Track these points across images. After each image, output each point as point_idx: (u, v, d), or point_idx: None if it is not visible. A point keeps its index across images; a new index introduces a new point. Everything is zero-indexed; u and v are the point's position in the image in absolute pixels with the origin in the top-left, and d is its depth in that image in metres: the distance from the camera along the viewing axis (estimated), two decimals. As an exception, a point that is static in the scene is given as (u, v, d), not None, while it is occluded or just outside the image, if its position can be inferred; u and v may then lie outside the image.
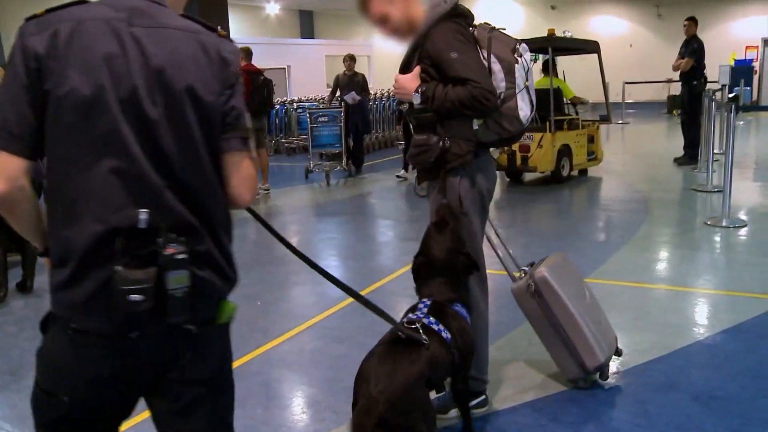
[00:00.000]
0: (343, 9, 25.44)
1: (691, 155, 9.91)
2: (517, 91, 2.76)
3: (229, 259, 1.69)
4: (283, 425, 3.08)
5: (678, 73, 10.13)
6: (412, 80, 2.78)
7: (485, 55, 2.76)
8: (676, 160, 10.16)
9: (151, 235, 1.45)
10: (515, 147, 8.24)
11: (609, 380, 3.24)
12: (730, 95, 7.19)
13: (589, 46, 9.59)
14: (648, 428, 2.85)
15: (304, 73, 19.72)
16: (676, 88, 19.43)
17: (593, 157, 9.56)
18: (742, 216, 6.51)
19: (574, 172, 9.23)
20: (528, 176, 9.40)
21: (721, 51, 20.72)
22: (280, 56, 18.87)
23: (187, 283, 1.47)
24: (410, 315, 2.46)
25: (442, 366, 2.39)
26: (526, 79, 2.80)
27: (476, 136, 2.78)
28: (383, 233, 7.18)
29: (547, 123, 8.38)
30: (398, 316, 2.48)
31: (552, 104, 8.41)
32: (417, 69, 2.78)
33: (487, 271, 2.99)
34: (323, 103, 12.93)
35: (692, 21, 9.98)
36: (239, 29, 21.32)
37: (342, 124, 10.16)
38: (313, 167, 10.27)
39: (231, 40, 1.65)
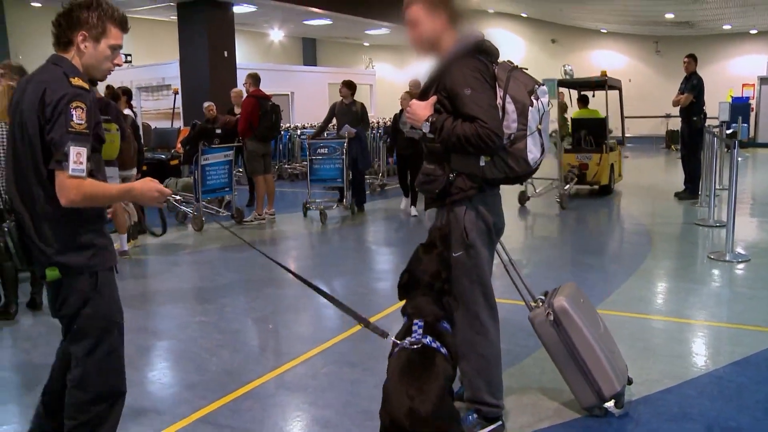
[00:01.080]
0: (346, 37, 25.78)
1: (691, 190, 10.03)
2: (528, 133, 2.82)
3: (44, 239, 2.48)
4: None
5: (678, 108, 10.30)
6: (425, 108, 2.87)
7: (501, 94, 2.82)
8: (677, 194, 10.27)
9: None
10: (576, 163, 10.41)
11: (623, 410, 3.29)
12: (728, 131, 7.34)
13: (617, 84, 11.27)
14: (663, 457, 2.90)
15: (307, 99, 19.88)
16: (675, 123, 19.73)
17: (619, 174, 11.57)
18: (744, 251, 6.59)
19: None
20: (530, 206, 9.59)
21: (719, 88, 21.02)
22: (284, 82, 19.05)
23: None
24: (409, 338, 2.52)
25: (450, 378, 2.52)
26: (540, 123, 2.85)
27: (482, 173, 2.84)
28: (385, 261, 7.24)
29: (603, 145, 10.46)
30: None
31: (606, 131, 10.64)
32: (433, 99, 2.87)
33: (498, 300, 3.05)
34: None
35: (692, 58, 10.19)
36: (245, 54, 21.56)
37: (344, 156, 9.27)
38: (310, 204, 9.39)
39: (76, 87, 2.40)
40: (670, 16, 18.64)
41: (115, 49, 2.59)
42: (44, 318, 5.07)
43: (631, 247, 7.31)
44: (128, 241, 7.23)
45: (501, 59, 2.99)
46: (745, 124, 18.26)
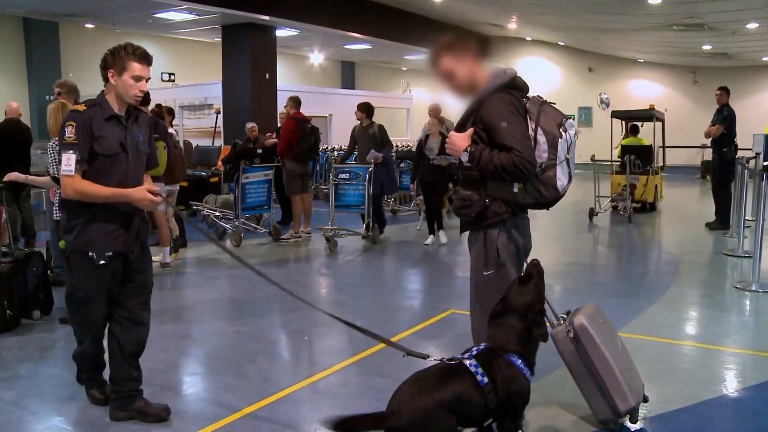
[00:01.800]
0: (384, 62, 26.26)
1: (722, 220, 10.10)
2: (557, 162, 3.05)
3: (62, 219, 3.53)
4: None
5: (710, 139, 10.40)
6: (463, 139, 3.12)
7: (533, 126, 3.06)
8: (707, 224, 10.33)
9: None
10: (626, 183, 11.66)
11: (637, 425, 3.46)
12: (765, 163, 7.46)
13: (662, 116, 13.64)
14: (674, 470, 3.06)
15: (345, 122, 20.25)
16: (710, 154, 19.70)
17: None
18: (772, 281, 6.67)
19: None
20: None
21: (756, 120, 20.90)
22: (323, 105, 19.47)
23: None
24: (461, 355, 2.77)
25: (470, 404, 2.66)
26: (567, 152, 3.08)
27: (515, 198, 3.08)
28: (410, 280, 7.46)
29: (649, 168, 12.21)
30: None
31: (652, 156, 12.60)
32: (470, 131, 3.12)
33: None
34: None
35: (724, 90, 10.34)
36: (285, 76, 22.09)
37: (366, 183, 8.90)
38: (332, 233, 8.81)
39: (72, 109, 3.42)
40: (707, 47, 18.68)
41: (138, 79, 3.35)
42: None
43: (658, 274, 7.45)
44: (170, 254, 7.58)
45: (535, 90, 3.22)
46: (783, 157, 18.14)
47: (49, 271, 6.00)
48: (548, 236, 9.70)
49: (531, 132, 3.05)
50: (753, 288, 6.41)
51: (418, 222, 10.31)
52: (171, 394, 3.95)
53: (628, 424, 3.40)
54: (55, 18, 17.19)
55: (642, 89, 23.71)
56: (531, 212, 3.25)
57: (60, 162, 3.28)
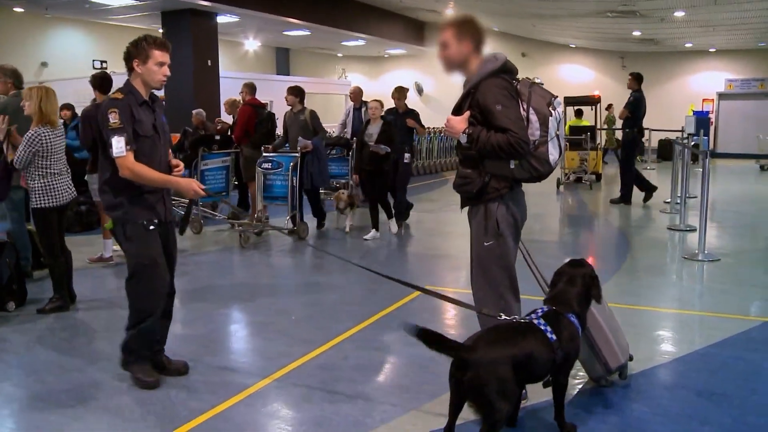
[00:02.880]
0: (320, 48, 26.23)
1: (624, 196, 10.98)
2: (549, 138, 3.30)
3: (104, 198, 3.77)
4: (350, 415, 3.49)
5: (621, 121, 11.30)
6: (461, 122, 3.34)
7: (525, 107, 3.30)
8: (611, 200, 11.22)
9: None
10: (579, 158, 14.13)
11: (625, 380, 3.78)
12: (691, 143, 8.04)
13: (595, 101, 15.64)
14: (664, 417, 3.39)
15: (285, 109, 20.22)
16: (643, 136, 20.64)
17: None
18: (714, 251, 7.19)
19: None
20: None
21: (679, 101, 22.09)
22: (262, 92, 19.27)
23: None
24: (527, 316, 3.06)
25: (539, 360, 2.94)
26: (557, 129, 3.34)
27: (512, 174, 3.33)
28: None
29: (597, 145, 14.88)
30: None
31: (596, 135, 15.15)
32: (467, 114, 3.35)
33: (523, 296, 3.52)
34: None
35: (634, 76, 11.12)
36: (221, 63, 21.81)
37: (288, 173, 8.21)
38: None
39: (108, 98, 3.73)
40: (637, 33, 19.51)
41: (161, 65, 3.69)
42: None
43: (611, 248, 7.90)
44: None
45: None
46: (706, 137, 19.19)
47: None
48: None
49: (523, 112, 3.28)
50: (699, 258, 6.91)
51: (346, 220, 9.01)
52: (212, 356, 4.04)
53: (618, 380, 3.72)
54: (-24, 1, 16.48)
55: (574, 74, 24.55)
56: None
57: (111, 147, 3.57)
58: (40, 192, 5.24)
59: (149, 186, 3.72)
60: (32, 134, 5.15)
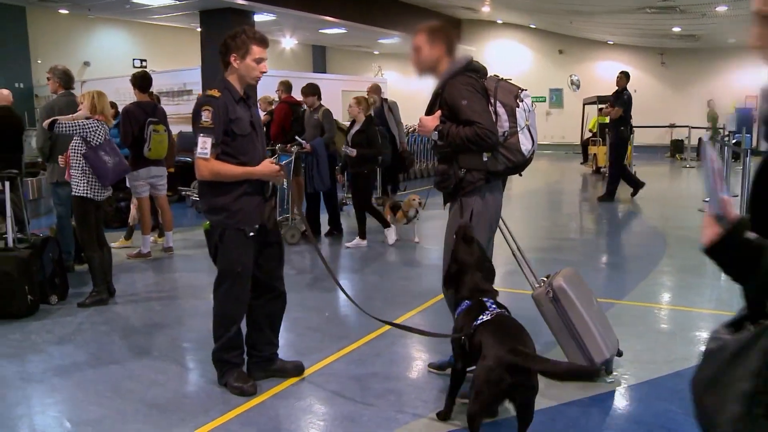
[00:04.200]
0: (357, 46, 26.31)
1: (610, 192, 11.03)
2: (518, 129, 3.44)
3: (205, 201, 3.65)
4: (382, 411, 3.53)
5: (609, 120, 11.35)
6: (432, 120, 3.53)
7: (492, 101, 3.45)
8: (599, 198, 11.23)
9: None
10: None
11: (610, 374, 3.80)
12: (733, 141, 7.94)
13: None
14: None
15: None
16: (679, 133, 20.29)
17: None
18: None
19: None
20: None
21: (720, 100, 21.64)
22: (299, 90, 19.48)
23: None
24: (483, 316, 3.02)
25: None
26: (527, 119, 3.46)
27: (486, 166, 3.45)
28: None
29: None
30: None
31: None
32: (438, 113, 3.53)
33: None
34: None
35: (623, 74, 11.24)
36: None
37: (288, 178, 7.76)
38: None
39: (204, 95, 3.61)
40: (677, 29, 19.16)
41: (260, 61, 3.58)
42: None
43: (646, 248, 7.81)
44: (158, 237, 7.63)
45: (507, 72, 3.67)
46: (749, 134, 18.79)
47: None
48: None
49: (490, 107, 3.43)
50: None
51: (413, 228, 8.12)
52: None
53: (603, 374, 3.78)
54: (22, 3, 16.89)
55: (611, 71, 24.00)
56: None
57: (196, 144, 3.48)
58: (81, 180, 5.42)
59: (250, 187, 3.59)
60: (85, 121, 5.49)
